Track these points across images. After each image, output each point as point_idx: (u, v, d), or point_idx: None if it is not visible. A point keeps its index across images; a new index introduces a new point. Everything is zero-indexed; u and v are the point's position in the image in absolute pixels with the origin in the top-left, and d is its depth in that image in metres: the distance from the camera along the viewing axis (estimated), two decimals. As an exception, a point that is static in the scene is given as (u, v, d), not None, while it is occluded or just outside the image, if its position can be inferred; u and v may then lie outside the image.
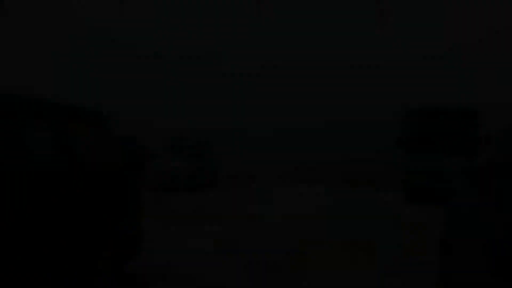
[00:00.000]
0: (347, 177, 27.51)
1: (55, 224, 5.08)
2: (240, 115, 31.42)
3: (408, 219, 13.95)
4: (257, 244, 10.20)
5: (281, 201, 18.27)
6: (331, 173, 28.57)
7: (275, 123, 31.39)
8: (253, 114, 31.43)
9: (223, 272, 7.96)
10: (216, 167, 25.44)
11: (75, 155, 5.78)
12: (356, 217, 14.32)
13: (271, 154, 29.48)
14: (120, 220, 6.64)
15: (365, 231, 11.87)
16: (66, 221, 5.31)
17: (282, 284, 7.30)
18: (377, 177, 26.78)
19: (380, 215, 14.78)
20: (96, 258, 5.96)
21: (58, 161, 5.47)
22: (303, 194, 21.32)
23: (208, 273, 7.85)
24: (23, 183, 4.59)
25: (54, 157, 5.45)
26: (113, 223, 6.44)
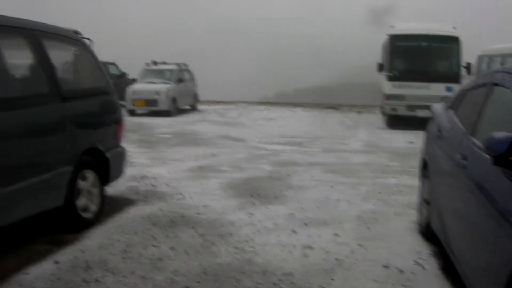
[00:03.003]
0: (329, 102, 27.58)
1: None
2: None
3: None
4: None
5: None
6: (311, 99, 28.58)
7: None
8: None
9: (204, 190, 8.07)
10: (197, 92, 25.34)
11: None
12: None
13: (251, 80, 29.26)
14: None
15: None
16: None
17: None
18: (359, 103, 26.85)
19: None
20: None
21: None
22: (287, 116, 21.54)
23: (191, 190, 7.96)
24: None
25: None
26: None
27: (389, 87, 17.76)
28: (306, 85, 29.91)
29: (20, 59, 5.68)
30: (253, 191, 8.04)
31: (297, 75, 29.72)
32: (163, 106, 21.34)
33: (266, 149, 12.65)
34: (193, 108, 24.80)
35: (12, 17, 5.38)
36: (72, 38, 6.59)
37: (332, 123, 19.76)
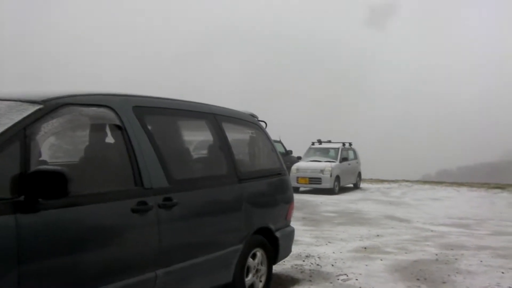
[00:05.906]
0: (495, 181, 26.57)
1: None
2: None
3: None
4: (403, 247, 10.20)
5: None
6: (475, 177, 27.66)
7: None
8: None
9: (370, 271, 8.04)
10: (360, 170, 25.45)
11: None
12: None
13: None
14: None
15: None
16: None
17: None
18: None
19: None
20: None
21: None
22: (453, 196, 21.07)
23: (356, 271, 7.97)
24: None
25: None
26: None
27: None
28: (470, 162, 29.19)
29: (202, 143, 6.15)
30: (419, 275, 7.89)
31: (460, 151, 29.08)
32: (326, 184, 21.62)
33: (432, 231, 12.40)
34: (356, 187, 24.85)
35: (198, 103, 5.87)
36: (249, 121, 6.97)
37: (501, 205, 19.04)
